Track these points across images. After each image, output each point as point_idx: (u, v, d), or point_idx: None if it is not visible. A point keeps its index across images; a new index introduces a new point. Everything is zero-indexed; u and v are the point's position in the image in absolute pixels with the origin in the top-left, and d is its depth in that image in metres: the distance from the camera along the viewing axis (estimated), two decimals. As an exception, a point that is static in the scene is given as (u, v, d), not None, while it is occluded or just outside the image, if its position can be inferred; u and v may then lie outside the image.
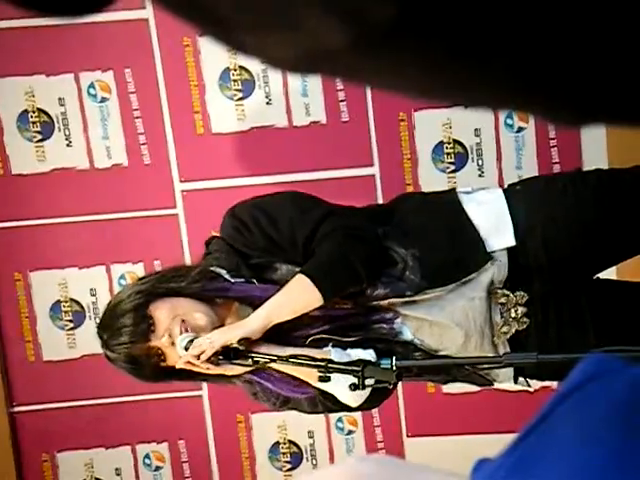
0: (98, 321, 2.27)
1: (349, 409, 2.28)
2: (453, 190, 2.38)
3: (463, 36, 0.42)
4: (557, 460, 0.46)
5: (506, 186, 2.44)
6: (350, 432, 3.48)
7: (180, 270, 2.26)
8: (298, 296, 2.14)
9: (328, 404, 2.25)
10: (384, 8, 0.40)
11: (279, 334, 2.17)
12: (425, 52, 0.43)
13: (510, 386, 2.32)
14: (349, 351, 2.15)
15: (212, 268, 2.24)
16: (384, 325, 2.23)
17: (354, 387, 1.98)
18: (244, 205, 2.28)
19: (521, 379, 2.30)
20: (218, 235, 2.30)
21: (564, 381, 0.51)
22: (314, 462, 3.51)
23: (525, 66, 0.44)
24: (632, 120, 0.52)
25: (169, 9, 0.47)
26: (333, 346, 2.17)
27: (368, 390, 2.18)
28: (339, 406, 2.25)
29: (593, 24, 0.42)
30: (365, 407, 2.29)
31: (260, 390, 2.28)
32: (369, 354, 2.14)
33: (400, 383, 2.21)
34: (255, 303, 2.18)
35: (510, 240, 2.25)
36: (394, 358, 1.99)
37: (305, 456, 3.51)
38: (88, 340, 3.35)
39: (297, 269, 2.17)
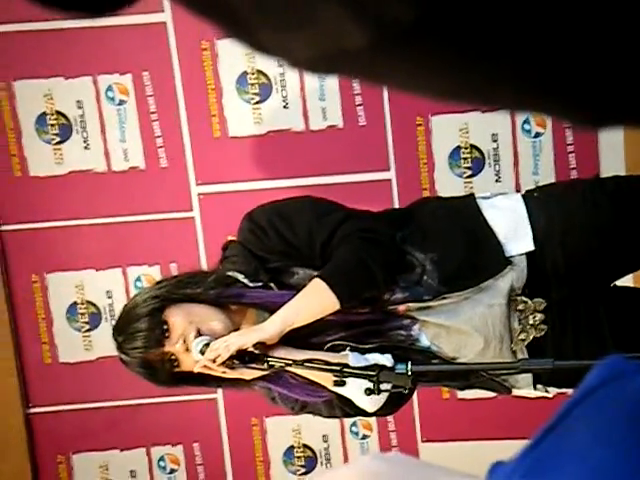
0: (114, 324, 2.27)
1: (366, 414, 2.27)
2: (472, 195, 2.38)
3: (483, 37, 0.42)
4: (572, 462, 0.46)
5: (523, 192, 2.43)
6: (365, 437, 3.48)
7: (196, 276, 2.26)
8: (315, 300, 2.13)
9: (345, 409, 2.24)
10: (405, 8, 0.40)
11: (296, 339, 2.17)
12: (445, 53, 0.43)
13: (529, 392, 2.31)
14: (367, 356, 2.14)
15: (229, 273, 2.24)
16: (402, 332, 2.23)
17: (369, 392, 1.98)
18: (262, 209, 2.28)
19: (539, 386, 2.29)
20: (235, 239, 2.30)
21: (580, 384, 0.51)
22: (328, 466, 3.51)
23: (543, 67, 0.43)
24: None
25: (190, 9, 0.47)
26: (351, 350, 2.16)
27: (385, 395, 2.17)
28: (356, 411, 2.25)
29: (612, 24, 0.42)
30: (382, 413, 2.29)
31: (278, 395, 2.28)
32: (387, 359, 2.13)
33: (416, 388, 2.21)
34: (272, 308, 2.17)
35: (529, 245, 2.24)
36: (409, 363, 1.99)
37: (320, 460, 3.51)
38: (104, 342, 3.36)
39: (315, 273, 2.17)
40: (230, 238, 2.33)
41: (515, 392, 2.32)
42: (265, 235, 2.23)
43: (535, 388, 2.29)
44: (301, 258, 2.22)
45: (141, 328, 2.14)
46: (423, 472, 0.66)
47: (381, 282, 2.16)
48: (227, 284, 2.22)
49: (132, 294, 2.48)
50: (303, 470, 3.52)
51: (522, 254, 2.24)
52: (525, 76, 0.44)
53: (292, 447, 3.51)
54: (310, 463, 3.52)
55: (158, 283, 2.27)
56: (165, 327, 2.14)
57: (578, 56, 0.43)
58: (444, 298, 2.20)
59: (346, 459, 3.50)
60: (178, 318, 2.15)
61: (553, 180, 3.15)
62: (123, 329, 2.18)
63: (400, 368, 1.99)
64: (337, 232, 2.18)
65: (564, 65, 0.43)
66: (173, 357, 2.16)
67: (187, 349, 2.14)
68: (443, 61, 0.44)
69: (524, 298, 2.24)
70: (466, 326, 2.21)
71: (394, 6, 0.40)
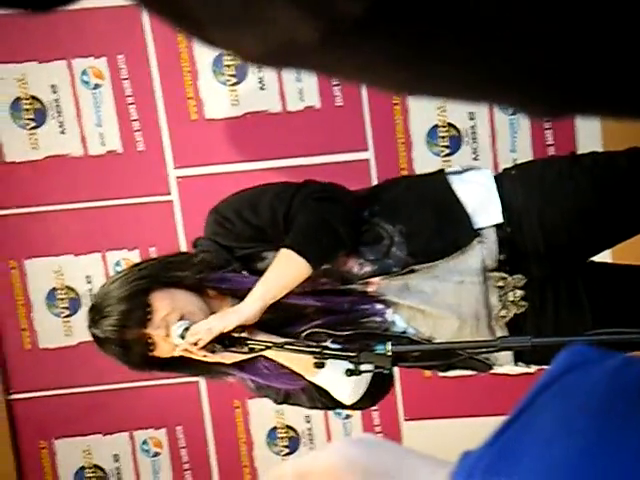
0: (93, 301, 2.25)
1: (344, 407, 2.28)
2: (442, 170, 2.39)
3: (430, 30, 0.42)
4: (537, 450, 0.46)
5: (501, 170, 2.44)
6: (347, 416, 3.49)
7: (181, 258, 2.26)
8: (286, 270, 2.13)
9: (324, 400, 2.25)
10: (355, 2, 0.40)
11: (273, 328, 2.17)
12: (395, 46, 0.43)
13: (511, 369, 2.32)
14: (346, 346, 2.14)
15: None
16: (376, 318, 2.24)
17: (350, 372, 1.98)
18: (225, 202, 2.29)
19: (521, 363, 2.30)
20: (203, 236, 2.30)
21: (544, 372, 0.51)
22: (312, 447, 3.52)
23: (494, 59, 0.43)
24: (607, 111, 0.52)
25: (140, 2, 0.47)
26: (332, 341, 2.16)
27: (363, 387, 2.19)
28: (334, 403, 2.26)
29: (564, 14, 0.42)
30: (359, 406, 2.29)
31: (255, 386, 2.29)
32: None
33: (397, 369, 2.22)
34: (246, 295, 2.17)
35: (498, 217, 2.25)
36: (389, 343, 1.99)
37: (303, 441, 3.52)
38: (84, 327, 3.34)
39: None
40: (199, 237, 2.33)
41: (496, 369, 2.33)
42: (231, 224, 2.23)
43: (517, 365, 2.30)
44: (269, 240, 2.22)
45: (123, 308, 2.13)
46: (398, 456, 0.67)
47: (344, 235, 2.16)
48: (212, 268, 2.21)
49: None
50: (287, 451, 3.53)
51: (491, 226, 2.24)
52: (474, 69, 0.44)
53: (275, 428, 3.52)
54: (293, 444, 3.53)
55: (140, 264, 2.26)
56: (148, 309, 2.14)
57: (528, 49, 0.43)
58: (412, 271, 2.21)
59: (329, 439, 3.51)
60: (163, 302, 2.15)
61: (531, 157, 3.16)
62: (102, 307, 2.16)
63: (380, 349, 1.99)
64: (294, 200, 2.18)
65: (514, 57, 0.43)
66: (150, 340, 2.15)
67: (167, 335, 2.13)
68: (393, 54, 0.43)
69: (503, 274, 2.25)
70: (439, 306, 2.22)
71: (344, 0, 0.40)
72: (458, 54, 0.43)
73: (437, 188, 2.30)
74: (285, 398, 2.31)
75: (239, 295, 2.19)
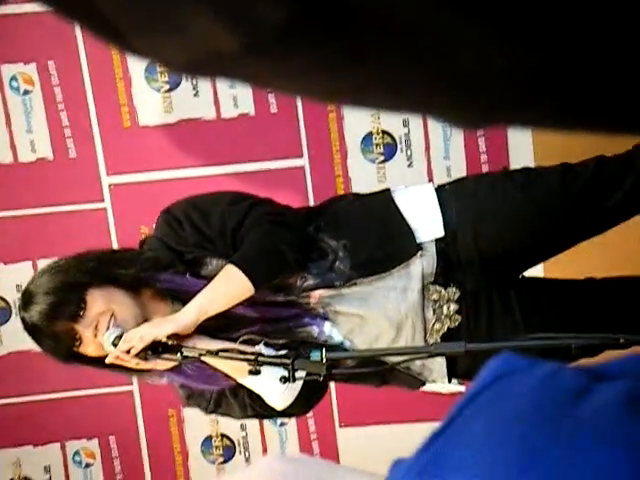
0: (29, 282, 2.20)
1: (276, 413, 2.28)
2: (387, 190, 2.41)
3: (353, 38, 0.41)
4: (467, 459, 0.46)
5: (436, 186, 2.46)
6: (282, 424, 3.48)
7: (128, 254, 2.24)
8: (229, 286, 2.13)
9: (256, 407, 2.25)
10: (275, 11, 0.39)
11: (208, 334, 2.16)
12: (318, 55, 0.42)
13: (442, 387, 2.33)
14: (280, 352, 2.14)
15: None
16: (313, 329, 2.24)
17: (284, 380, 1.98)
18: (179, 203, 2.29)
19: (454, 380, 2.32)
20: (152, 235, 2.29)
21: (474, 380, 0.51)
22: (247, 455, 3.50)
23: (420, 67, 0.43)
24: (529, 123, 0.53)
25: (60, 13, 0.46)
26: (265, 345, 2.16)
27: (295, 391, 2.19)
28: (267, 410, 2.26)
29: (483, 18, 0.42)
30: (291, 411, 2.29)
31: (190, 394, 2.28)
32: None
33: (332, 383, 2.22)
34: (185, 298, 2.16)
35: (439, 231, 2.27)
36: (324, 350, 1.99)
37: (238, 449, 3.50)
38: (15, 337, 3.29)
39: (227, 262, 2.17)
40: (146, 232, 2.32)
41: (428, 387, 2.34)
42: (180, 227, 2.22)
43: (450, 381, 2.32)
44: (214, 248, 2.22)
45: (58, 298, 2.10)
46: (325, 470, 0.66)
47: (292, 262, 2.17)
48: (158, 268, 2.19)
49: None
50: (222, 459, 3.52)
51: (432, 240, 2.27)
52: (400, 77, 0.44)
53: (210, 437, 3.50)
54: (228, 452, 3.51)
55: (86, 254, 2.22)
56: (82, 305, 2.11)
57: (454, 55, 0.42)
58: (355, 284, 2.22)
59: (264, 447, 3.50)
60: (98, 301, 2.13)
61: (464, 164, 3.20)
62: (37, 292, 2.13)
63: (315, 355, 1.99)
64: (246, 219, 2.18)
65: (440, 69, 0.43)
66: (77, 336, 2.13)
67: (95, 335, 2.11)
68: (318, 63, 0.43)
69: (438, 287, 2.27)
70: (378, 314, 2.23)
71: (264, 9, 0.39)
72: (381, 63, 0.43)
73: (381, 203, 2.32)
74: (215, 407, 2.30)
75: (180, 298, 2.18)
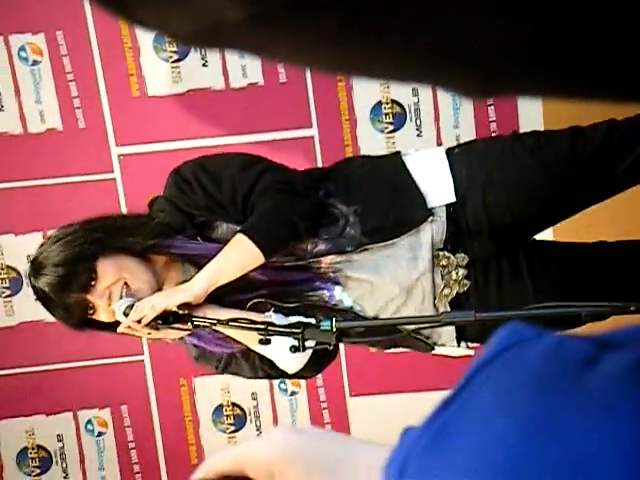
0: (36, 254, 2.19)
1: (287, 375, 2.29)
2: (397, 152, 2.39)
3: (360, 8, 0.41)
4: (475, 430, 0.46)
5: (446, 149, 2.45)
6: (293, 393, 3.50)
7: (135, 221, 2.23)
8: (239, 256, 2.13)
9: (267, 369, 2.26)
10: None
11: (219, 298, 2.16)
12: (326, 25, 0.42)
13: (452, 351, 2.33)
14: (290, 317, 2.15)
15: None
16: (323, 293, 2.24)
17: (294, 349, 1.98)
18: (188, 164, 2.27)
19: (463, 343, 2.32)
20: (161, 195, 2.28)
21: (483, 350, 0.51)
22: (258, 424, 3.52)
23: (423, 37, 0.43)
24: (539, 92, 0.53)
25: None
26: (274, 311, 2.17)
27: (306, 356, 2.19)
28: (278, 372, 2.26)
29: None
30: (303, 374, 2.30)
31: (201, 353, 2.28)
32: (310, 321, 2.14)
33: (342, 345, 2.22)
34: (200, 262, 2.16)
35: (450, 197, 2.26)
36: (334, 319, 2.00)
37: (249, 418, 3.52)
38: (26, 307, 3.31)
39: (237, 227, 2.17)
40: (156, 195, 2.31)
41: (437, 350, 2.35)
42: (190, 189, 2.21)
43: (459, 345, 2.32)
44: (224, 212, 2.21)
45: (67, 270, 2.10)
46: (340, 445, 0.67)
47: (302, 231, 2.17)
48: (166, 234, 2.19)
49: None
50: (232, 428, 3.54)
51: (442, 205, 2.26)
52: (404, 47, 0.44)
53: (221, 406, 3.52)
54: (239, 421, 3.53)
55: (94, 222, 2.21)
56: (93, 275, 2.12)
57: (463, 27, 0.42)
58: (366, 250, 2.22)
59: (275, 416, 3.52)
60: (109, 270, 2.13)
61: (473, 133, 3.18)
62: (46, 263, 2.13)
63: (325, 325, 2.00)
64: (257, 185, 2.18)
65: (445, 40, 0.43)
66: (90, 304, 2.14)
67: (109, 305, 2.12)
68: (325, 34, 0.43)
69: (447, 254, 2.26)
70: (389, 280, 2.23)
71: None
72: (388, 34, 0.43)
73: (391, 167, 2.31)
74: (226, 366, 2.30)
75: (191, 261, 2.18)
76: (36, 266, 2.15)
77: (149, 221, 2.22)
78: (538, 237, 2.41)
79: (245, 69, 3.22)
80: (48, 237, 2.22)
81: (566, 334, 0.50)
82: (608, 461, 0.42)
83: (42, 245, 2.20)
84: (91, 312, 2.15)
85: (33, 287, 2.16)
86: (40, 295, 2.14)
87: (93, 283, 2.12)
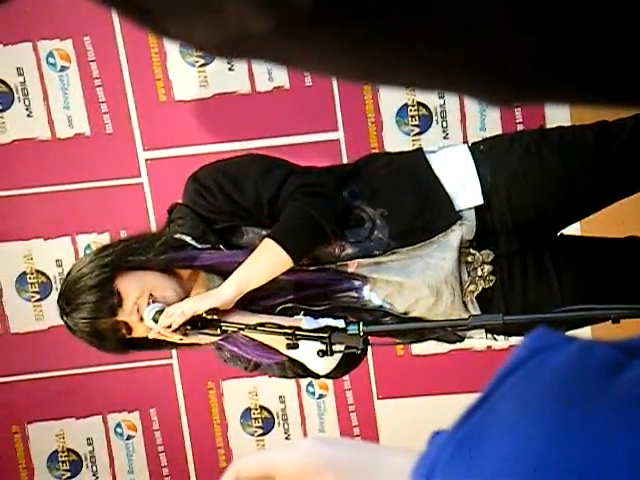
0: (60, 292, 2.23)
1: (317, 376, 2.29)
2: (420, 149, 2.38)
3: (386, 16, 0.41)
4: (501, 436, 0.46)
5: (470, 144, 2.43)
6: (321, 396, 3.50)
7: (144, 240, 2.23)
8: (267, 261, 2.13)
9: (297, 371, 2.26)
10: None
11: (247, 302, 2.17)
12: (350, 36, 0.42)
13: (480, 342, 2.34)
14: (320, 320, 2.15)
15: (177, 236, 2.22)
16: (352, 293, 2.24)
17: (322, 354, 1.98)
18: (206, 169, 2.27)
19: (489, 335, 2.32)
20: (181, 202, 2.28)
21: (509, 357, 0.51)
22: (286, 427, 3.53)
23: (451, 46, 0.43)
24: (566, 98, 0.52)
25: None
26: (305, 314, 2.16)
27: (337, 358, 2.19)
28: (308, 373, 2.27)
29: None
30: (334, 375, 2.30)
31: (231, 355, 2.28)
32: (339, 323, 2.14)
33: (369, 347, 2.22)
34: (223, 270, 2.17)
35: (478, 199, 2.25)
36: (361, 324, 2.00)
37: (277, 421, 3.53)
38: (55, 311, 3.32)
39: (264, 232, 2.17)
40: (177, 202, 2.31)
41: (467, 341, 2.35)
42: (212, 195, 2.21)
43: (486, 338, 2.32)
44: (249, 217, 2.21)
45: (91, 299, 2.11)
46: (369, 455, 0.67)
47: (330, 234, 2.17)
48: (176, 247, 2.20)
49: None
50: (261, 431, 3.54)
51: (471, 208, 2.25)
52: (430, 56, 0.44)
53: (249, 409, 3.52)
54: (268, 424, 3.54)
55: (104, 249, 2.23)
56: (117, 296, 2.13)
57: (488, 36, 0.42)
58: (394, 253, 2.22)
59: (303, 419, 3.52)
60: (131, 287, 2.14)
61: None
62: (70, 299, 2.15)
63: (352, 329, 2.00)
64: (282, 189, 2.17)
65: (475, 45, 0.43)
66: (126, 325, 2.15)
67: (141, 319, 2.13)
68: (349, 44, 0.43)
69: (472, 250, 2.26)
70: (418, 281, 2.22)
71: None
72: (411, 44, 0.43)
73: (417, 169, 2.29)
74: (255, 367, 2.31)
75: (215, 271, 2.19)
76: (63, 302, 2.17)
77: (157, 238, 2.22)
78: (566, 232, 2.40)
79: (271, 73, 3.23)
80: (67, 277, 2.22)
81: (592, 340, 0.50)
82: (634, 466, 0.42)
83: (64, 283, 2.22)
84: (128, 332, 2.16)
85: (66, 324, 2.18)
86: (73, 329, 2.16)
87: (120, 303, 2.13)
